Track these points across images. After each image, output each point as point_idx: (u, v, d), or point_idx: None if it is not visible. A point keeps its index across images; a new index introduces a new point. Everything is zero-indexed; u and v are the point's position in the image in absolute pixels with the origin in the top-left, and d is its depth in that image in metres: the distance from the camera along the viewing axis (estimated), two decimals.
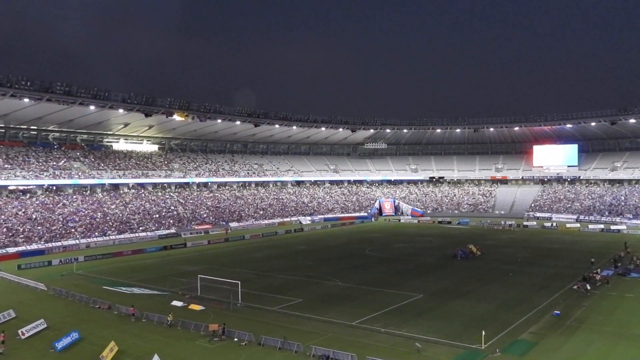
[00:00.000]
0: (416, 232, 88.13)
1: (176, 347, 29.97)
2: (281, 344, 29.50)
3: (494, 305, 38.48)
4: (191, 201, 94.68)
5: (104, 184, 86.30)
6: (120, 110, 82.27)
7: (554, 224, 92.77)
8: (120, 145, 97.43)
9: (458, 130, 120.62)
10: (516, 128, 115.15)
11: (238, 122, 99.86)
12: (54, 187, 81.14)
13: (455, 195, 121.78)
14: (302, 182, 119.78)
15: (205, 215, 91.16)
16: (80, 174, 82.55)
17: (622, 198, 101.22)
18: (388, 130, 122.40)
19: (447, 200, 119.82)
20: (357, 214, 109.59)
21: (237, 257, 63.37)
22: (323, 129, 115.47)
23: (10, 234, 65.62)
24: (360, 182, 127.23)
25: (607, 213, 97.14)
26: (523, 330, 32.30)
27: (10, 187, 75.74)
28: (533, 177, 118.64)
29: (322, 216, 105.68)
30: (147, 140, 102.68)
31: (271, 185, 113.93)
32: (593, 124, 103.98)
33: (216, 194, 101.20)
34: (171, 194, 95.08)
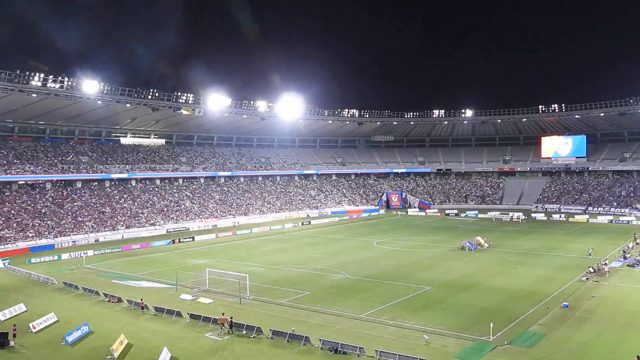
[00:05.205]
0: (424, 224, 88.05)
1: (185, 340, 30.19)
2: (289, 336, 29.63)
3: (502, 297, 38.42)
4: (199, 195, 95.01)
5: (112, 178, 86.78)
6: (127, 105, 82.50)
7: (562, 216, 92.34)
8: (127, 140, 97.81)
9: (465, 122, 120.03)
10: (524, 119, 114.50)
11: (245, 116, 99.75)
12: (63, 182, 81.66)
13: (463, 187, 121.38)
14: (309, 175, 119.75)
15: (212, 209, 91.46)
16: (88, 168, 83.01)
17: (631, 189, 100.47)
18: (395, 123, 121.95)
19: (454, 193, 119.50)
20: (364, 207, 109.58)
21: (244, 250, 63.62)
22: (330, 121, 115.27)
23: (20, 229, 66.20)
24: (368, 174, 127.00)
25: (615, 204, 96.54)
26: (532, 322, 32.25)
27: (19, 182, 76.31)
28: (541, 168, 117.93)
29: (329, 209, 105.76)
30: (155, 135, 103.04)
31: (278, 179, 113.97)
32: (601, 114, 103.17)
33: (223, 188, 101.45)
34: (179, 187, 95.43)
